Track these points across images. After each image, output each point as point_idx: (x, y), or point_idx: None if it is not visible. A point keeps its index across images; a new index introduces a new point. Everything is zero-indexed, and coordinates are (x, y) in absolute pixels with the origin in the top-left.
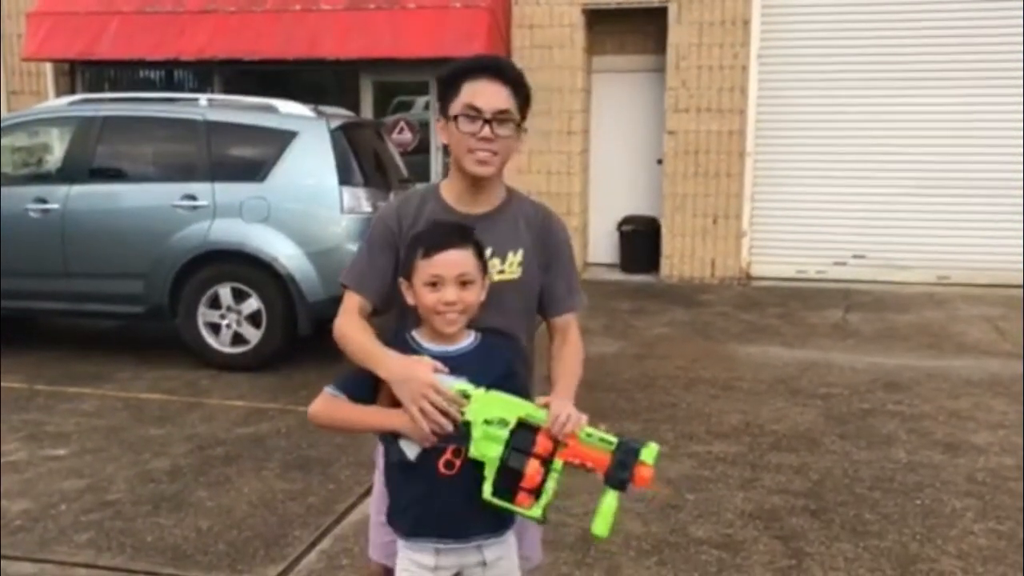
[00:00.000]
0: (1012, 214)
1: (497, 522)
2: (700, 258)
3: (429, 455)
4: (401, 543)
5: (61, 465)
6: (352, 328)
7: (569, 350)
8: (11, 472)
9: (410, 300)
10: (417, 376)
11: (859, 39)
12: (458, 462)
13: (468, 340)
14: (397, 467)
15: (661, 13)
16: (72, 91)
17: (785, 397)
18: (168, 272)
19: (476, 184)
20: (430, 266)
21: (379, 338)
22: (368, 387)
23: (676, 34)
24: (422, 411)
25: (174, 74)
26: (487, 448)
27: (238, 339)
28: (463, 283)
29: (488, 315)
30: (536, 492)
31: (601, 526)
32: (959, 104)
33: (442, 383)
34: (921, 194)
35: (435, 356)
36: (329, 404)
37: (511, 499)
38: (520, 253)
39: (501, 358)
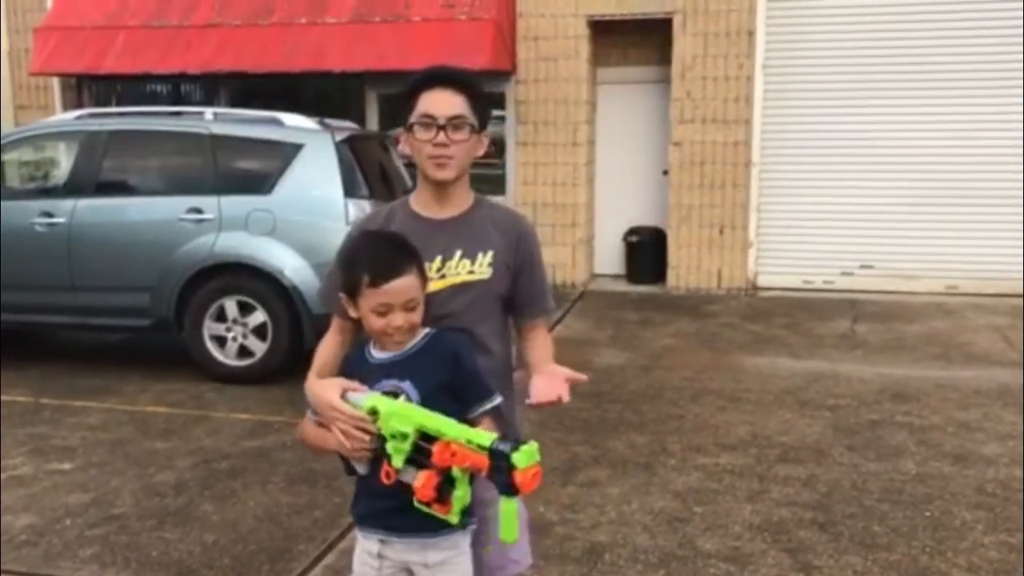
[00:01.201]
0: (1020, 224)
1: (438, 523)
2: (706, 269)
3: (375, 467)
4: (356, 531)
5: (66, 479)
6: (317, 354)
7: (542, 340)
8: (16, 486)
9: (352, 314)
10: (323, 399)
11: (864, 49)
12: (393, 473)
13: (412, 342)
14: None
15: (666, 24)
16: (79, 105)
17: (793, 408)
18: (174, 285)
19: (441, 189)
20: (378, 295)
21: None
22: None
23: (681, 45)
24: (343, 432)
25: (180, 88)
26: (397, 460)
27: (244, 352)
28: (410, 308)
29: (460, 315)
30: (443, 500)
31: (504, 532)
32: (966, 113)
33: (351, 401)
34: (928, 203)
35: (382, 363)
36: (304, 427)
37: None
38: (490, 254)
39: (447, 351)
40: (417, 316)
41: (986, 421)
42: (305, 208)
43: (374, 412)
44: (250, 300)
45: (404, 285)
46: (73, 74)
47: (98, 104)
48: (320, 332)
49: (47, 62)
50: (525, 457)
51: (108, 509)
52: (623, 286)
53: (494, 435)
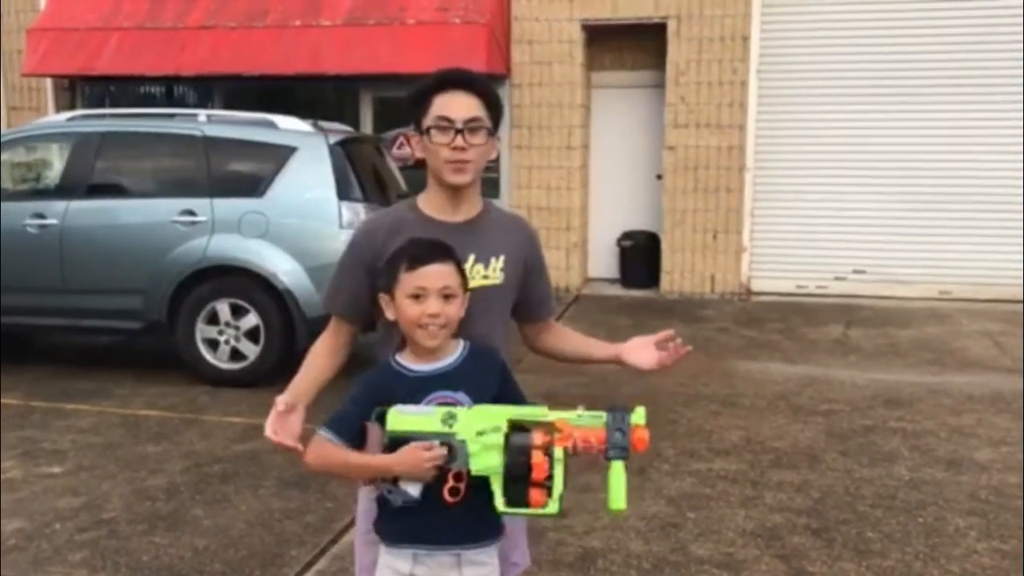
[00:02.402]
0: (1014, 229)
1: (478, 531)
2: (700, 273)
3: (432, 487)
4: (383, 548)
5: (57, 483)
6: (309, 354)
7: (566, 331)
8: (6, 490)
9: (390, 315)
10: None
11: (859, 54)
12: (462, 486)
13: (456, 353)
14: (400, 507)
15: (660, 29)
16: (72, 107)
17: (786, 414)
18: (166, 288)
19: (455, 194)
20: (414, 278)
21: (372, 362)
22: (358, 428)
23: (675, 50)
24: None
25: (174, 90)
26: (488, 459)
27: (236, 355)
28: (446, 296)
29: (472, 320)
30: (547, 487)
31: (617, 499)
32: (960, 118)
33: (424, 409)
34: (922, 209)
35: (427, 375)
36: (323, 450)
37: (525, 504)
38: (502, 259)
39: (494, 363)
40: (453, 310)
41: (979, 427)
42: (299, 211)
43: (450, 417)
44: (243, 303)
45: (441, 270)
46: (66, 75)
47: (91, 106)
48: (314, 335)
49: (40, 63)
50: (641, 416)
51: (98, 513)
52: (617, 290)
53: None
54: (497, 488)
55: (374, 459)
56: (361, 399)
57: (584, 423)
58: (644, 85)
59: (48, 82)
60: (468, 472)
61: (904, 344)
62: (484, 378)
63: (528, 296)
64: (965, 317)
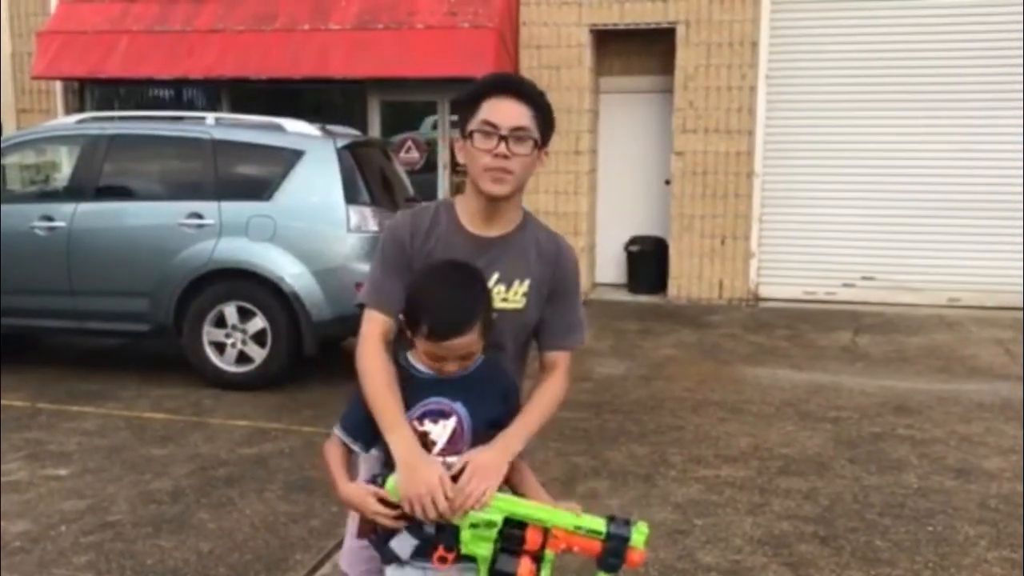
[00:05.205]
0: (1023, 236)
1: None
2: (708, 279)
3: (422, 550)
4: (389, 570)
5: (62, 485)
6: (374, 366)
7: (547, 387)
8: (11, 492)
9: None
10: (423, 479)
11: (867, 61)
12: (451, 556)
13: (469, 365)
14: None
15: (669, 34)
16: (81, 109)
17: (794, 420)
18: (173, 290)
19: (492, 205)
20: (435, 347)
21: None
22: (370, 432)
23: (684, 55)
24: (412, 506)
25: (183, 92)
26: (477, 547)
27: (243, 358)
28: (465, 357)
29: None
30: None
31: None
32: (970, 125)
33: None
34: (931, 215)
35: (429, 380)
36: (331, 455)
37: None
38: (527, 284)
39: (506, 383)
40: (472, 360)
41: (988, 435)
42: (306, 214)
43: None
44: (250, 306)
45: (463, 342)
46: (75, 78)
47: (100, 108)
48: (320, 339)
49: (50, 66)
50: (642, 536)
51: (103, 516)
52: (624, 296)
53: (600, 519)
54: (482, 572)
55: (361, 491)
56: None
57: (582, 534)
58: (652, 90)
59: (57, 85)
60: (457, 550)
61: (913, 351)
62: (489, 396)
63: (543, 321)
64: (974, 324)
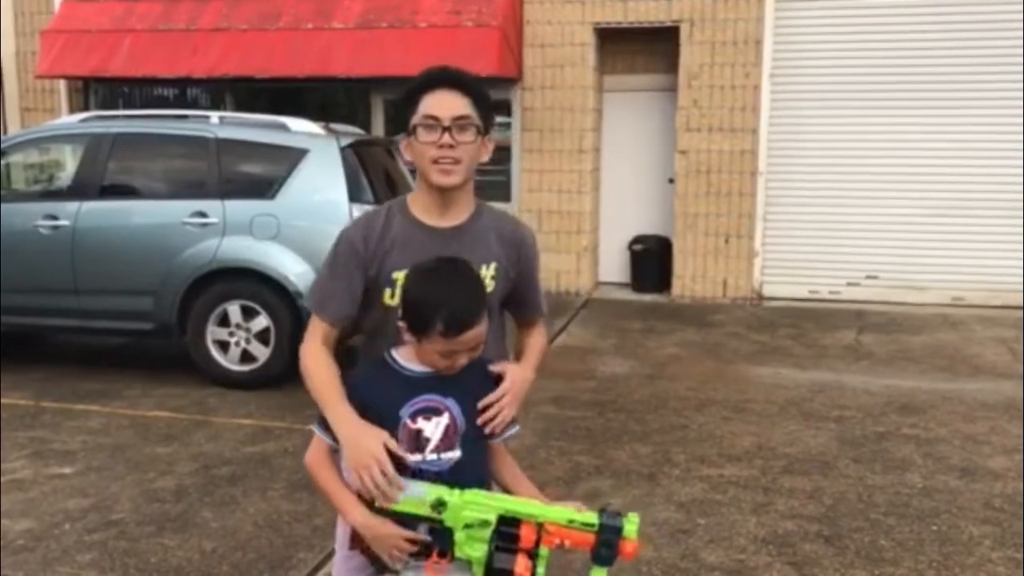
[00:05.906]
0: None
1: None
2: (712, 278)
3: (416, 557)
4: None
5: (66, 484)
6: (315, 363)
7: (536, 339)
8: (15, 490)
9: (406, 337)
10: (365, 446)
11: (871, 59)
12: (445, 562)
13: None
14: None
15: (673, 32)
16: (85, 108)
17: (798, 420)
18: (177, 289)
19: (445, 196)
20: (450, 344)
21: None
22: None
23: (688, 53)
24: (361, 479)
25: (187, 91)
26: (472, 549)
27: (247, 357)
28: (475, 348)
29: None
30: None
31: None
32: (975, 124)
33: (415, 490)
34: (935, 214)
35: (421, 377)
36: (317, 461)
37: None
38: (493, 266)
39: (488, 378)
40: (480, 349)
41: (993, 434)
42: (310, 213)
43: (440, 504)
44: (254, 305)
45: (477, 333)
46: (79, 77)
47: (104, 107)
48: None
49: (53, 65)
50: (634, 526)
51: (107, 514)
52: (627, 294)
53: (592, 512)
54: (478, 574)
55: (352, 510)
56: (353, 396)
57: (575, 528)
58: (656, 89)
59: (61, 84)
60: (451, 554)
61: (917, 350)
62: (477, 387)
63: (511, 300)
64: (978, 323)
